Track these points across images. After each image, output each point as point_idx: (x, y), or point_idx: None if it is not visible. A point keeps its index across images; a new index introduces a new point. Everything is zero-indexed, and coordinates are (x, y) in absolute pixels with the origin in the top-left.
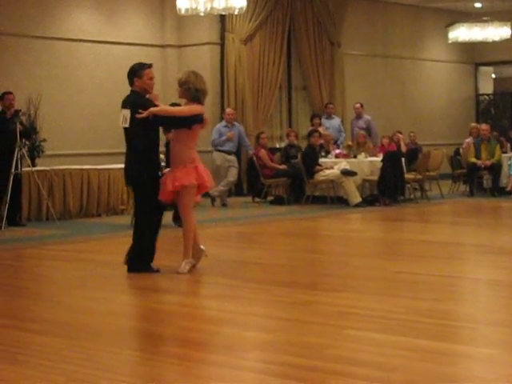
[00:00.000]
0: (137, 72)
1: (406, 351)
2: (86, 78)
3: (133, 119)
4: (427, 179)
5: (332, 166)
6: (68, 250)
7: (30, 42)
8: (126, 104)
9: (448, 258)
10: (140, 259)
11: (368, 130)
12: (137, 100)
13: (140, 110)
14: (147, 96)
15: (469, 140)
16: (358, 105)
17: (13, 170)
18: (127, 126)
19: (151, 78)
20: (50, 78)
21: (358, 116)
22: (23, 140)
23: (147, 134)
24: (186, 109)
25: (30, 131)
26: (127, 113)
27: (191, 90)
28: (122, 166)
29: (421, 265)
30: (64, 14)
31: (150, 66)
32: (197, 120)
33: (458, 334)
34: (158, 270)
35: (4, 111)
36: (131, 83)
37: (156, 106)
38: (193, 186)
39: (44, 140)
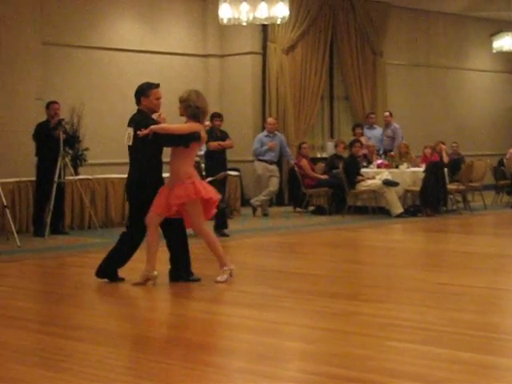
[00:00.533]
0: (144, 91)
1: (449, 363)
2: (127, 88)
3: (136, 137)
4: (470, 190)
5: (374, 176)
6: None
7: (72, 51)
8: (130, 123)
9: (491, 269)
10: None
11: (393, 138)
12: (141, 119)
13: (141, 129)
14: (153, 116)
15: None
16: (387, 113)
17: (56, 178)
18: (130, 143)
19: (158, 98)
20: (93, 87)
21: (387, 125)
22: (66, 149)
23: (149, 152)
24: (185, 126)
25: (73, 140)
26: (131, 131)
27: (191, 108)
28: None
29: (464, 276)
30: (106, 23)
31: (157, 86)
32: (194, 138)
33: (502, 346)
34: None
35: (48, 120)
36: (138, 102)
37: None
38: (193, 201)
39: (86, 149)
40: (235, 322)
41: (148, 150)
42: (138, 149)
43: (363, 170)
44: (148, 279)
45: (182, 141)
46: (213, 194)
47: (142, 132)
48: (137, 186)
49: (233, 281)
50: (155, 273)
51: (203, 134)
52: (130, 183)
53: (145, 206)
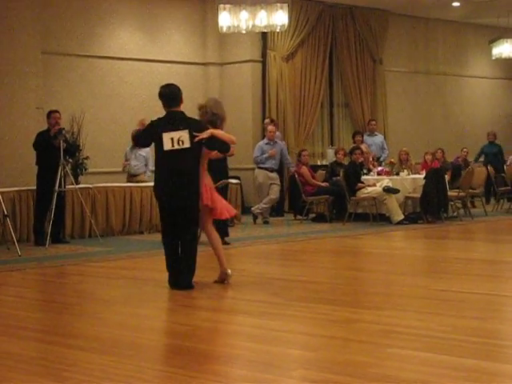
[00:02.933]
0: (181, 94)
1: (451, 370)
2: (128, 96)
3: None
4: (470, 196)
5: (374, 183)
6: (111, 267)
7: (73, 60)
8: (180, 125)
9: (492, 276)
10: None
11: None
12: (192, 122)
13: (195, 133)
14: None
15: None
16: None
17: (56, 187)
18: (189, 145)
19: None
20: (93, 96)
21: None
22: (67, 158)
23: (199, 157)
24: (227, 135)
25: (73, 149)
26: (185, 134)
27: (209, 114)
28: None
29: (465, 283)
30: (106, 32)
31: None
32: (229, 145)
33: (504, 353)
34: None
35: (49, 129)
36: (178, 104)
37: (207, 128)
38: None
39: (87, 158)
40: (237, 330)
41: (199, 154)
42: (194, 153)
43: (364, 178)
44: (224, 279)
45: (227, 147)
46: (217, 205)
47: (201, 136)
48: (194, 192)
49: (234, 289)
50: (229, 271)
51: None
52: (185, 192)
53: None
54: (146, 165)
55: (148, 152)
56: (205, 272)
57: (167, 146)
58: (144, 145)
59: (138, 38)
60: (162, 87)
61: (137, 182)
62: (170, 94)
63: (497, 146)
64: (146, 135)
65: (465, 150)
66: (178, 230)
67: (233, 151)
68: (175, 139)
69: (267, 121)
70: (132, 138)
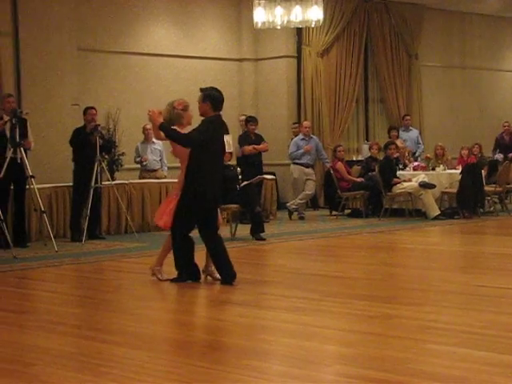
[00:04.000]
0: None
1: (490, 366)
2: (163, 92)
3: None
4: (507, 192)
5: (410, 178)
6: (147, 263)
7: (108, 57)
8: (227, 131)
9: None
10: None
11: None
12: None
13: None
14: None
15: None
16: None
17: (93, 183)
18: (231, 150)
19: None
20: (128, 92)
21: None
22: (103, 154)
23: None
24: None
25: (109, 145)
26: (230, 138)
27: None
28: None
29: (502, 278)
30: (142, 29)
31: None
32: None
33: None
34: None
35: (85, 126)
36: (221, 109)
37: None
38: None
39: (123, 154)
40: (274, 325)
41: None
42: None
43: (399, 173)
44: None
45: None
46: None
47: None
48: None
49: (270, 284)
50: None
51: None
52: (221, 193)
53: None
54: (160, 159)
55: (162, 146)
56: (239, 267)
57: (227, 148)
58: (198, 143)
59: (173, 34)
60: (212, 89)
61: (156, 178)
62: (220, 98)
63: None
64: (212, 134)
65: (506, 123)
66: (204, 227)
67: (266, 147)
68: (228, 142)
69: (242, 118)
70: (188, 138)
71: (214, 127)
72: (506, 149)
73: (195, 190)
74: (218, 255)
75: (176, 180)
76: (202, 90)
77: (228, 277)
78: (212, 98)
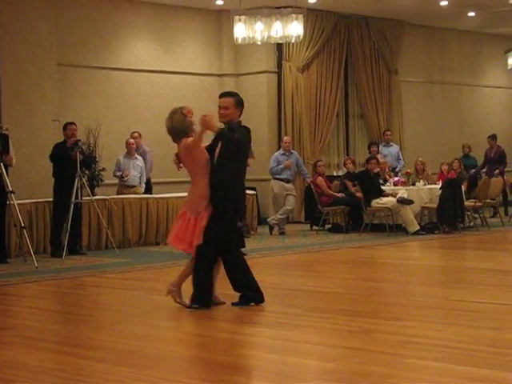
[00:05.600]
0: None
1: (470, 381)
2: (143, 108)
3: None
4: (487, 207)
5: (393, 193)
6: (127, 279)
7: (89, 72)
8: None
9: (510, 286)
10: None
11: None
12: None
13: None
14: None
15: None
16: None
17: (73, 199)
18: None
19: None
20: (109, 107)
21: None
22: (83, 169)
23: None
24: None
25: (89, 161)
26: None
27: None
28: (180, 194)
29: (482, 293)
30: (122, 44)
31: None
32: None
33: None
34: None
35: (65, 141)
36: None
37: None
38: None
39: (103, 169)
40: (254, 341)
41: None
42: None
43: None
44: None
45: None
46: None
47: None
48: None
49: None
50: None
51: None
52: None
53: None
54: (140, 176)
55: (142, 162)
56: (220, 283)
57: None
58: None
59: (154, 49)
60: (238, 95)
61: (134, 193)
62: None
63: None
64: (238, 144)
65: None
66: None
67: (249, 162)
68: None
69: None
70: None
71: (246, 133)
72: (491, 163)
73: (236, 201)
74: (248, 273)
75: (182, 194)
76: (229, 94)
77: (261, 295)
78: (243, 104)
